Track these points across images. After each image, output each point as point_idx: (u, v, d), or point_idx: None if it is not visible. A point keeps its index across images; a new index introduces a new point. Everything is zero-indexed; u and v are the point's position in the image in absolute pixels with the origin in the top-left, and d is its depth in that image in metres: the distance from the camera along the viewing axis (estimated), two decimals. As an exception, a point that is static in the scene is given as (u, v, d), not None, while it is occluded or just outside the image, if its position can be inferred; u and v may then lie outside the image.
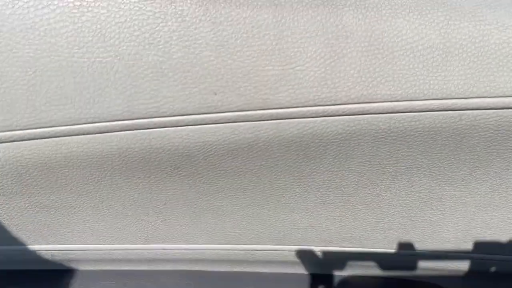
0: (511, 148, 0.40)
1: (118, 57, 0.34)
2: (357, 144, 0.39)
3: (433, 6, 0.36)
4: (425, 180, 0.44)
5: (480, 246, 0.52)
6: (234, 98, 0.36)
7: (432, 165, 0.42)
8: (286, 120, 0.37)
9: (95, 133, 0.36)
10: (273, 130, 0.38)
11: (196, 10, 0.34)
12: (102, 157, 0.39)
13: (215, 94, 0.35)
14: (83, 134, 0.36)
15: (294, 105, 0.36)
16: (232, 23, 0.34)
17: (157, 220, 0.47)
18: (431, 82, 0.36)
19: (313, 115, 0.36)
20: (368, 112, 0.37)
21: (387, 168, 0.42)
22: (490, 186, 0.45)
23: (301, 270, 0.58)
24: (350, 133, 0.38)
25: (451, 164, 0.42)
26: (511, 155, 0.41)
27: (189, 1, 0.34)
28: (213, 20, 0.34)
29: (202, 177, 0.42)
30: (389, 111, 0.37)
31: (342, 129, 0.38)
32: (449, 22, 0.35)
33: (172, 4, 0.34)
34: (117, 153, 0.38)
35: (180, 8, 0.34)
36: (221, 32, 0.34)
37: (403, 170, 0.43)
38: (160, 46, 0.34)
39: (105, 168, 0.40)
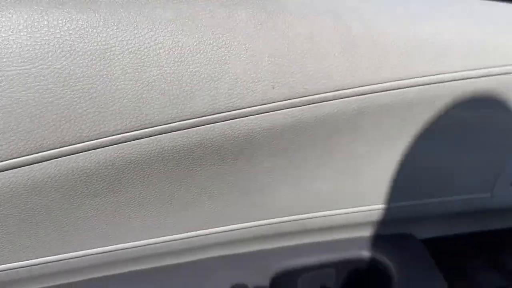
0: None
1: (204, 67, 0.45)
2: (367, 118, 0.54)
3: (408, 15, 0.53)
4: (400, 145, 0.60)
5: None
6: (286, 90, 0.48)
7: (411, 133, 0.59)
8: (322, 103, 0.50)
9: (184, 129, 0.46)
10: (312, 113, 0.51)
11: (254, 27, 0.46)
12: (184, 151, 0.48)
13: (273, 88, 0.48)
14: (176, 131, 0.46)
15: (328, 91, 0.50)
16: (281, 36, 0.47)
17: (200, 206, 0.56)
18: (413, 66, 0.52)
19: (341, 97, 0.50)
20: (375, 91, 0.52)
21: (385, 136, 0.58)
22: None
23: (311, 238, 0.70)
24: (363, 108, 0.53)
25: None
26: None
27: (248, 21, 0.46)
28: (268, 33, 0.47)
29: (255, 159, 0.53)
30: (388, 89, 0.52)
31: (358, 106, 0.52)
32: (423, 27, 0.52)
33: (238, 24, 0.46)
34: (199, 144, 0.48)
35: (243, 24, 0.46)
36: (273, 42, 0.47)
37: (390, 137, 0.59)
38: (233, 56, 0.46)
39: (182, 161, 0.49)
